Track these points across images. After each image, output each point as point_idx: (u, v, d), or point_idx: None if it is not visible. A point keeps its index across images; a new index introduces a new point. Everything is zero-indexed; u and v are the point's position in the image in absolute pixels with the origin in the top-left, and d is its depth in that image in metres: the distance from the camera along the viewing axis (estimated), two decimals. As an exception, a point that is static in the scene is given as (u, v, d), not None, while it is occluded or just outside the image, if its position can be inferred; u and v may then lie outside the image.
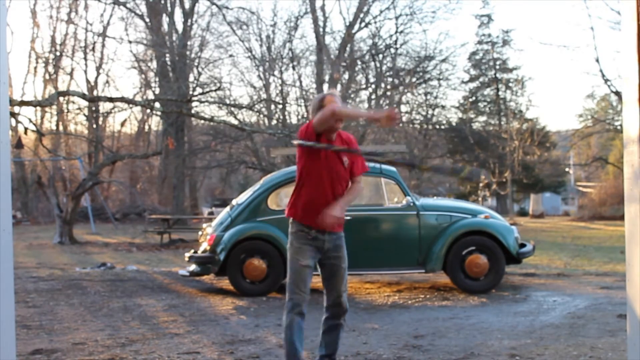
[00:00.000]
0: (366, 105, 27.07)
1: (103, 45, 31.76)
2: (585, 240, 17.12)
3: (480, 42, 38.06)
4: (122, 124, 35.70)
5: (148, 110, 30.22)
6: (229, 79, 36.07)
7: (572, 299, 7.32)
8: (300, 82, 25.48)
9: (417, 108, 33.36)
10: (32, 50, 30.89)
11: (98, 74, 31.52)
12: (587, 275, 9.54)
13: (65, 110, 29.96)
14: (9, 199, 3.18)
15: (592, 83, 78.84)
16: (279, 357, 4.86)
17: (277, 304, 7.31)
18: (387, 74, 28.69)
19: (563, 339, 5.31)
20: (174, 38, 26.65)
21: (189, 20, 27.29)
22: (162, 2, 27.03)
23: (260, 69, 25.39)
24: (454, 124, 36.41)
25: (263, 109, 24.12)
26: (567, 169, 42.34)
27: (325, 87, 25.09)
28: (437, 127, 35.25)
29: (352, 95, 25.20)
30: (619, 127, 30.60)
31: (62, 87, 29.93)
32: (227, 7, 25.24)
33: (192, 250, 8.70)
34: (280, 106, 24.21)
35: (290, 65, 25.26)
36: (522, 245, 8.21)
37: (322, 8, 26.20)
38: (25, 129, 13.07)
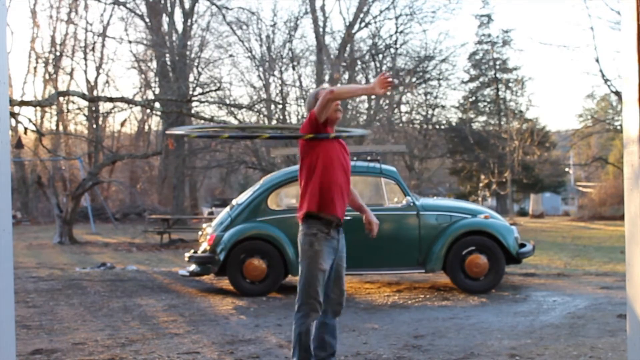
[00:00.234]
0: (366, 105, 27.09)
1: (103, 45, 31.77)
2: (585, 240, 17.12)
3: (480, 42, 38.04)
4: (122, 124, 35.73)
5: (148, 110, 30.21)
6: (229, 79, 36.07)
7: (572, 299, 7.32)
8: (300, 82, 25.50)
9: (417, 108, 33.39)
10: (32, 50, 30.92)
11: (98, 74, 31.54)
12: (587, 275, 9.54)
13: (65, 110, 29.94)
14: (9, 199, 3.17)
15: (592, 83, 78.90)
16: (279, 357, 4.86)
17: (277, 304, 7.32)
18: (387, 73, 28.67)
19: (563, 339, 5.31)
20: (174, 38, 26.64)
21: (189, 20, 27.29)
22: (162, 2, 27.03)
23: (260, 69, 25.39)
24: (454, 124, 36.39)
25: (263, 109, 24.11)
26: (567, 169, 42.32)
27: (326, 85, 25.05)
28: (437, 127, 35.25)
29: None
30: (619, 127, 30.59)
31: (62, 87, 29.95)
32: (226, 8, 25.24)
33: (192, 250, 8.70)
34: (280, 106, 24.21)
35: (290, 65, 25.26)
36: (522, 245, 8.21)
37: (322, 8, 26.22)
38: (25, 129, 13.07)
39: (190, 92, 23.17)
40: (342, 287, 4.07)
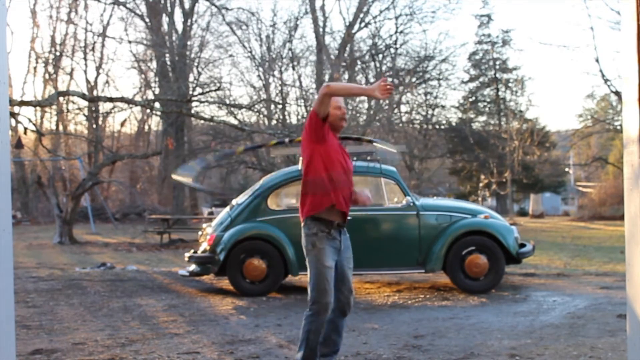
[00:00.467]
0: (366, 105, 27.09)
1: (103, 45, 31.78)
2: (585, 240, 17.12)
3: (480, 42, 38.04)
4: (122, 124, 35.73)
5: (148, 110, 30.21)
6: (229, 79, 36.08)
7: (572, 299, 7.32)
8: (300, 82, 25.50)
9: (417, 108, 33.40)
10: (32, 50, 30.92)
11: (98, 74, 31.54)
12: (587, 275, 9.54)
13: (65, 110, 29.94)
14: (9, 199, 3.17)
15: (592, 83, 78.87)
16: (279, 357, 4.86)
17: (277, 304, 7.32)
18: (387, 74, 28.69)
19: (563, 339, 5.31)
20: (174, 38, 26.64)
21: (189, 20, 27.29)
22: (162, 2, 27.02)
23: (260, 69, 25.40)
24: (454, 124, 36.39)
25: (263, 109, 24.12)
26: (567, 169, 42.32)
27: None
28: (437, 127, 35.25)
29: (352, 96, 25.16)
30: (618, 127, 30.59)
31: (62, 87, 29.94)
32: (226, 8, 25.25)
33: (192, 250, 8.71)
34: (280, 106, 24.21)
35: (290, 65, 25.27)
36: (522, 245, 8.21)
37: (322, 8, 26.22)
38: (25, 129, 13.07)
39: (190, 92, 23.17)
40: (349, 287, 4.11)
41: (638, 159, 3.02)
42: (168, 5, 27.14)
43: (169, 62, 26.22)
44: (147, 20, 27.22)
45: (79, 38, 31.03)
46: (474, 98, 37.74)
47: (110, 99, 14.93)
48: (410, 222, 8.00)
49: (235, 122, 21.26)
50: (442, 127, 35.65)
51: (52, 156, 22.12)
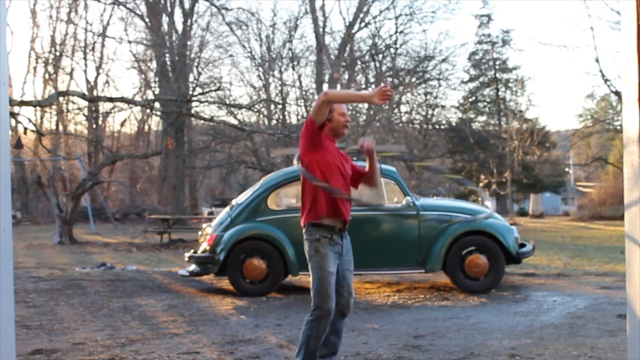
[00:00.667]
0: (366, 105, 27.05)
1: (103, 45, 31.78)
2: (585, 240, 17.12)
3: (480, 42, 38.05)
4: (122, 124, 35.74)
5: (148, 110, 30.21)
6: (228, 79, 36.10)
7: (572, 299, 7.32)
8: (300, 82, 25.51)
9: (417, 108, 33.41)
10: (32, 50, 30.91)
11: (98, 74, 31.54)
12: (587, 275, 9.54)
13: (65, 110, 29.94)
14: (9, 199, 3.17)
15: (592, 83, 78.91)
16: (279, 357, 4.86)
17: (277, 304, 7.32)
18: (387, 74, 28.70)
19: (563, 339, 5.31)
20: (174, 38, 26.64)
21: (189, 20, 27.30)
22: (162, 2, 27.03)
23: (260, 69, 25.41)
24: (453, 124, 36.39)
25: (263, 109, 24.13)
26: (567, 169, 42.32)
27: (325, 87, 25.09)
28: (437, 127, 35.26)
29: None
30: (618, 127, 30.59)
31: (62, 87, 29.95)
32: (226, 8, 25.27)
33: (192, 250, 8.70)
34: (280, 106, 24.22)
35: (290, 65, 25.28)
36: (522, 245, 8.21)
37: (322, 8, 26.23)
38: (25, 129, 13.06)
39: (190, 92, 23.18)
40: (349, 289, 4.12)
41: (638, 159, 3.02)
42: (168, 5, 27.15)
43: (169, 62, 26.23)
44: (147, 20, 27.23)
45: (79, 38, 31.07)
46: (474, 98, 37.75)
47: (110, 99, 14.91)
48: (410, 222, 8.00)
49: (235, 122, 21.27)
50: (442, 127, 35.66)
51: (52, 156, 22.13)
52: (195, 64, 26.96)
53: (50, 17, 30.50)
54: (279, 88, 24.95)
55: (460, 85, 36.88)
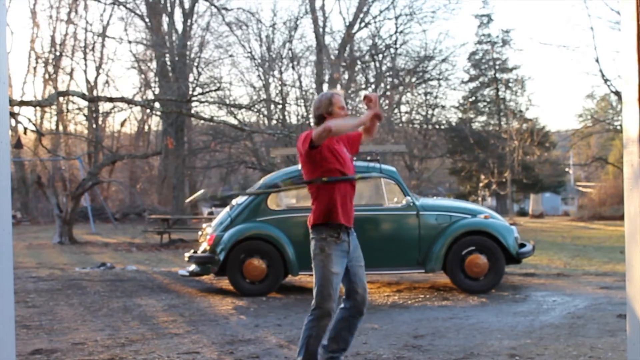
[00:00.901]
0: (366, 105, 27.02)
1: (103, 45, 31.77)
2: (585, 240, 17.12)
3: (480, 42, 38.06)
4: (122, 124, 35.73)
5: (148, 110, 30.21)
6: (228, 79, 36.14)
7: (572, 299, 7.32)
8: (300, 82, 25.51)
9: (417, 108, 33.42)
10: (32, 50, 30.91)
11: (98, 74, 31.53)
12: (586, 275, 9.54)
13: (65, 110, 29.93)
14: (9, 199, 3.17)
15: (592, 83, 78.97)
16: (279, 357, 4.86)
17: (277, 304, 7.32)
18: (387, 74, 28.70)
19: (563, 339, 5.31)
20: (174, 38, 26.63)
21: (189, 21, 27.28)
22: (162, 2, 27.01)
23: (260, 69, 25.41)
24: (453, 124, 36.39)
25: (263, 109, 24.13)
26: (566, 169, 42.33)
27: (325, 87, 25.09)
28: (437, 127, 35.26)
29: (352, 95, 25.21)
30: (618, 127, 30.59)
31: (61, 87, 29.94)
32: (225, 8, 25.24)
33: (192, 250, 8.71)
34: (280, 106, 24.21)
35: (290, 65, 25.27)
36: (522, 245, 8.21)
37: (322, 8, 26.23)
38: (25, 129, 13.04)
39: (190, 92, 23.16)
40: (364, 285, 4.13)
41: (638, 159, 3.02)
42: (168, 5, 27.13)
43: (169, 62, 26.22)
44: (147, 20, 27.22)
45: (79, 38, 31.05)
46: (474, 98, 37.75)
47: (110, 99, 14.91)
48: (410, 222, 7.99)
49: (235, 122, 21.25)
50: (442, 127, 35.66)
51: (52, 156, 22.10)
52: (195, 64, 26.95)
53: (50, 17, 30.52)
54: (279, 88, 24.95)
55: (460, 85, 36.94)
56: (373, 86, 28.07)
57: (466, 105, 37.04)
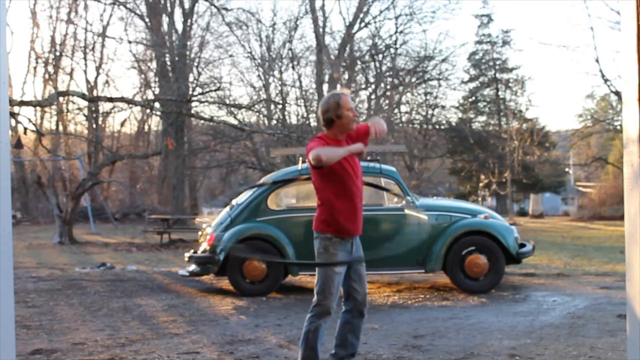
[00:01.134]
0: (366, 105, 27.07)
1: (103, 45, 31.73)
2: (585, 240, 17.11)
3: (480, 42, 38.05)
4: (122, 124, 35.70)
5: (148, 110, 30.19)
6: (228, 79, 36.10)
7: (572, 299, 7.32)
8: (300, 82, 25.50)
9: (417, 108, 33.40)
10: (32, 50, 30.88)
11: (98, 74, 31.50)
12: (586, 275, 9.54)
13: (65, 110, 29.92)
14: (9, 199, 3.17)
15: (592, 83, 78.95)
16: (279, 357, 4.86)
17: (276, 304, 7.32)
18: (387, 74, 28.70)
19: (563, 339, 5.31)
20: (174, 38, 26.63)
21: (189, 21, 27.28)
22: (162, 2, 27.01)
23: (260, 69, 25.40)
24: (453, 124, 36.39)
25: (263, 109, 24.13)
26: (566, 169, 42.32)
27: (325, 87, 25.09)
28: (437, 127, 35.25)
29: (352, 95, 25.20)
30: (618, 127, 30.59)
31: (61, 87, 29.92)
32: (225, 8, 25.23)
33: (192, 250, 8.71)
34: (280, 106, 24.21)
35: (290, 65, 25.26)
36: (522, 245, 8.21)
37: (322, 8, 26.21)
38: (25, 129, 13.05)
39: (190, 92, 23.16)
40: (364, 285, 4.15)
41: (638, 159, 3.02)
42: (168, 5, 27.13)
43: (169, 62, 26.22)
44: (147, 20, 27.22)
45: (79, 38, 31.03)
46: (474, 98, 37.75)
47: (110, 99, 14.92)
48: (410, 222, 7.99)
49: (235, 122, 21.25)
50: (442, 127, 35.66)
51: (52, 156, 22.10)
52: (195, 64, 26.94)
53: (50, 17, 30.49)
54: (279, 88, 24.95)
55: (460, 85, 36.93)
56: (373, 86, 28.09)
57: (466, 105, 37.04)
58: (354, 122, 4.07)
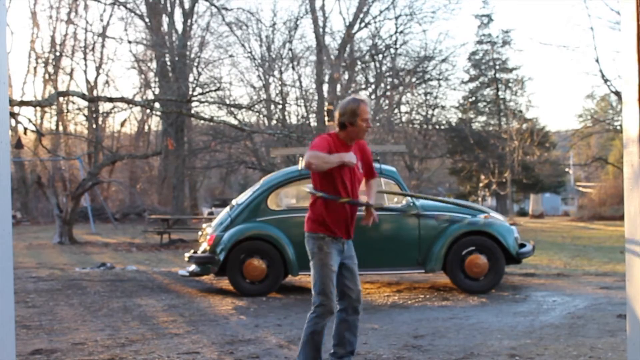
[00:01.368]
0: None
1: (103, 46, 31.76)
2: (585, 240, 17.11)
3: (480, 42, 38.05)
4: (122, 124, 35.72)
5: (148, 111, 30.20)
6: (228, 79, 36.12)
7: (572, 299, 7.32)
8: (300, 82, 25.52)
9: (417, 108, 33.42)
10: (32, 50, 30.92)
11: (98, 74, 31.52)
12: (586, 275, 9.54)
13: (65, 111, 29.93)
14: (9, 199, 3.17)
15: (592, 83, 78.97)
16: (279, 357, 4.86)
17: (276, 304, 7.31)
18: (387, 74, 28.70)
19: (563, 339, 5.31)
20: (174, 38, 26.64)
21: (189, 21, 27.30)
22: (162, 2, 27.02)
23: (260, 69, 25.40)
24: (453, 124, 36.40)
25: (263, 109, 24.14)
26: (566, 169, 42.32)
27: (325, 87, 25.10)
28: (437, 127, 35.26)
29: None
30: (618, 127, 30.59)
31: (61, 87, 29.94)
32: (226, 8, 25.26)
33: (192, 251, 8.70)
34: (280, 106, 24.22)
35: (290, 65, 25.27)
36: (522, 246, 8.21)
37: (322, 8, 26.23)
38: (25, 129, 13.05)
39: (190, 92, 23.17)
40: (357, 285, 4.15)
41: (638, 159, 3.02)
42: (168, 5, 27.15)
43: (169, 62, 26.23)
44: (147, 20, 27.23)
45: (79, 38, 31.06)
46: (474, 98, 37.75)
47: (110, 99, 14.93)
48: (410, 222, 7.99)
49: (235, 122, 21.27)
50: (442, 127, 35.67)
51: (52, 156, 22.11)
52: (195, 64, 26.95)
53: (50, 17, 30.54)
54: (279, 88, 24.95)
55: (460, 86, 36.94)
56: (373, 86, 28.09)
57: (466, 105, 37.04)
58: (365, 132, 4.10)
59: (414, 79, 29.04)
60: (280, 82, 24.80)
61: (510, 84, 37.42)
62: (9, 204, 3.16)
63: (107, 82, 31.83)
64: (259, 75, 25.93)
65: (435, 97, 33.69)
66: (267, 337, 5.54)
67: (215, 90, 22.83)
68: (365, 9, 26.55)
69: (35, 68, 31.27)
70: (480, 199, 32.03)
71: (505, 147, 29.28)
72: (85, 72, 31.95)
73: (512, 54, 47.11)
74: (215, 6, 24.99)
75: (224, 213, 8.52)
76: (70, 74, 31.01)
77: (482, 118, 38.74)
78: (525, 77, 41.85)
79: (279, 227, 7.92)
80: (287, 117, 24.91)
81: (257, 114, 24.51)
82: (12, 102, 10.53)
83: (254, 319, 6.40)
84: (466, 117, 37.26)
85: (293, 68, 25.31)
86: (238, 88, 43.23)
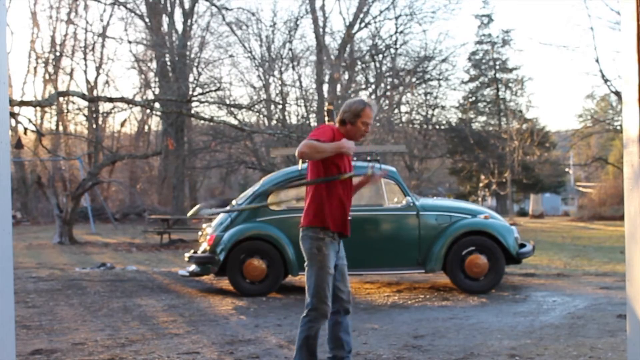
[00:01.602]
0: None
1: (103, 46, 31.74)
2: (585, 240, 17.11)
3: (480, 42, 38.03)
4: (122, 124, 35.69)
5: (148, 111, 30.20)
6: (228, 79, 36.06)
7: (572, 299, 7.32)
8: (300, 82, 25.50)
9: (417, 108, 33.40)
10: (32, 50, 30.90)
11: (98, 74, 31.51)
12: (586, 276, 9.54)
13: (65, 111, 29.92)
14: (9, 199, 3.17)
15: (592, 83, 78.94)
16: (279, 357, 4.86)
17: (276, 304, 7.31)
18: (387, 74, 28.70)
19: (563, 339, 5.31)
20: (174, 38, 26.63)
21: (189, 21, 27.28)
22: (162, 2, 27.01)
23: (260, 69, 25.40)
24: (453, 124, 36.38)
25: (263, 109, 24.13)
26: (567, 169, 42.31)
27: (325, 87, 25.09)
28: (437, 127, 35.25)
29: (352, 96, 25.21)
30: (618, 127, 30.58)
31: (62, 87, 29.93)
32: (226, 8, 25.24)
33: (192, 251, 8.70)
34: (280, 106, 24.21)
35: (290, 65, 25.26)
36: (522, 246, 8.21)
37: (322, 8, 26.20)
38: (25, 129, 13.04)
39: (190, 92, 23.16)
40: (347, 285, 4.14)
41: (638, 159, 3.02)
42: (168, 5, 27.13)
43: (169, 62, 26.22)
44: (147, 20, 27.21)
45: (79, 38, 31.03)
46: (474, 98, 37.74)
47: (110, 99, 14.92)
48: (410, 222, 7.99)
49: (235, 122, 21.25)
50: (442, 127, 35.65)
51: (52, 156, 22.10)
52: (195, 64, 26.94)
53: (50, 17, 30.50)
54: (279, 88, 24.94)
55: (460, 86, 36.91)
56: (373, 86, 28.08)
57: (466, 105, 37.03)
58: (362, 136, 4.11)
59: (414, 79, 29.02)
60: (280, 82, 24.79)
61: (510, 84, 37.41)
62: (9, 204, 3.16)
63: (107, 82, 31.84)
64: (259, 75, 25.93)
65: (435, 97, 33.70)
66: (267, 337, 5.54)
67: (215, 90, 22.83)
68: (365, 9, 26.54)
69: (35, 68, 31.28)
70: (480, 199, 32.02)
71: (505, 147, 29.27)
72: (85, 72, 31.96)
73: (512, 54, 47.17)
74: (216, 6, 24.98)
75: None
76: (70, 74, 31.03)
77: (482, 118, 38.74)
78: (525, 77, 41.91)
79: (279, 227, 7.92)
80: (287, 117, 24.90)
81: (257, 114, 24.52)
82: (12, 102, 10.53)
83: (254, 319, 6.40)
84: (466, 117, 37.25)
85: (293, 68, 25.31)
86: (238, 88, 43.25)
